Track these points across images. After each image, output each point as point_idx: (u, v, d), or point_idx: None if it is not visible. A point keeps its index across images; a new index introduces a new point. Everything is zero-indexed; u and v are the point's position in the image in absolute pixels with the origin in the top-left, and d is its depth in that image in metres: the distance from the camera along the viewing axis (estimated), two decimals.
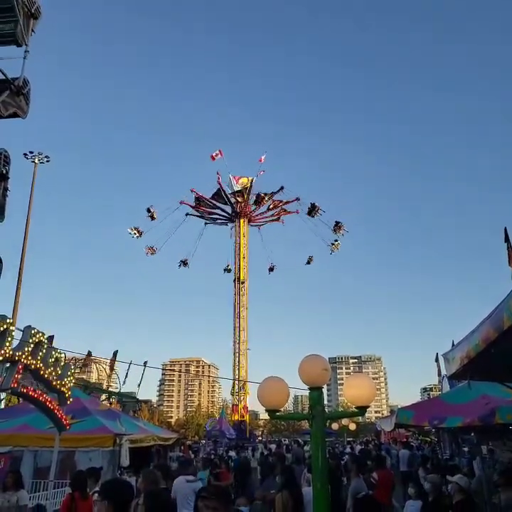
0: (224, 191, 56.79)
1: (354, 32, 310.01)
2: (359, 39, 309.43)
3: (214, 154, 56.86)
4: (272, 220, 60.49)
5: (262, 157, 58.09)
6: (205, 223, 59.47)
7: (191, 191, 56.72)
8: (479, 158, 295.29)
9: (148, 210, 54.35)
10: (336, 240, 55.81)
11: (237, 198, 56.78)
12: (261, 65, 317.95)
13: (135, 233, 54.62)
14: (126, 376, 29.59)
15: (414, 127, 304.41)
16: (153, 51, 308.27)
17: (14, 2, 11.07)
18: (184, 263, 58.65)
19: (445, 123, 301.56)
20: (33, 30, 12.37)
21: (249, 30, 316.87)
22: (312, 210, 54.92)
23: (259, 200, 56.85)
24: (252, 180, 57.05)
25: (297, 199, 57.08)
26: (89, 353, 30.53)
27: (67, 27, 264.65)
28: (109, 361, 31.48)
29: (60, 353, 9.39)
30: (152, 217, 54.55)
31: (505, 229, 12.96)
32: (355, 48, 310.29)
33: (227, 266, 58.35)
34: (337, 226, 55.18)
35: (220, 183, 56.58)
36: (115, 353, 30.79)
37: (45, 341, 8.76)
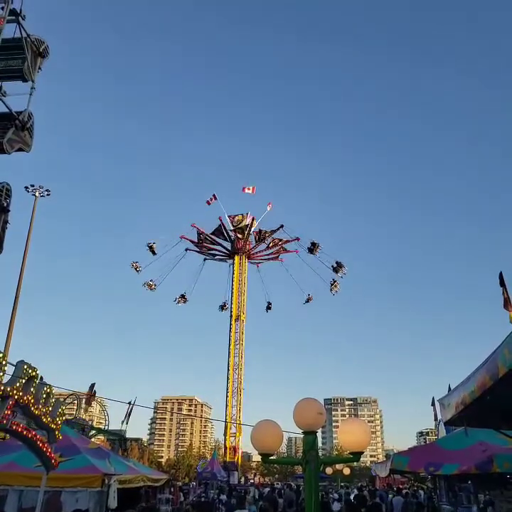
0: (225, 227, 57.42)
1: (351, 59, 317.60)
2: (356, 66, 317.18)
3: (209, 199, 58.18)
4: (270, 258, 60.80)
5: (251, 188, 58.78)
6: (205, 259, 59.79)
7: (192, 226, 57.26)
8: (478, 196, 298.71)
9: (149, 246, 54.88)
10: (335, 280, 55.92)
11: (238, 235, 57.21)
12: (257, 91, 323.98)
13: (136, 268, 55.02)
14: (129, 415, 29.00)
15: (414, 160, 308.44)
16: (152, 84, 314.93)
17: (24, 41, 11.50)
18: (182, 297, 58.42)
19: (447, 155, 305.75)
20: (40, 68, 12.78)
21: (248, 59, 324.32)
22: (313, 249, 55.47)
23: (261, 238, 57.47)
24: (253, 219, 57.74)
25: (297, 239, 57.43)
26: (92, 388, 29.84)
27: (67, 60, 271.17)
28: (85, 393, 30.63)
29: (52, 389, 9.24)
30: (153, 253, 54.98)
31: (501, 273, 13.03)
32: (355, 76, 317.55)
33: (224, 304, 58.36)
34: (338, 266, 55.25)
35: (221, 220, 57.32)
36: (92, 386, 30.00)
37: (37, 376, 8.64)
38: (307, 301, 57.78)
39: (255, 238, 58.01)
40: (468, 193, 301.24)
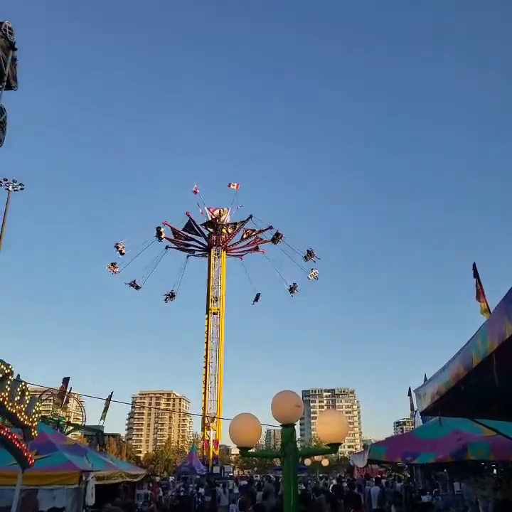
0: (194, 223, 57.25)
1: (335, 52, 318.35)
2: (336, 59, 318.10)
3: (194, 189, 57.91)
4: (250, 250, 60.70)
5: (236, 184, 58.69)
6: (188, 256, 59.45)
7: (164, 224, 56.75)
8: (456, 186, 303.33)
9: (116, 246, 54.47)
10: (313, 269, 56.86)
11: (209, 229, 57.14)
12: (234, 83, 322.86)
13: (112, 270, 54.65)
14: (105, 410, 28.91)
15: (397, 149, 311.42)
16: (131, 77, 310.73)
17: None
18: (171, 296, 57.97)
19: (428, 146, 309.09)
20: (15, 59, 12.30)
21: (230, 46, 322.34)
22: (276, 239, 56.40)
23: (228, 230, 57.42)
24: (221, 211, 57.70)
25: (270, 228, 57.48)
26: (66, 382, 29.59)
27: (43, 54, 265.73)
28: (59, 389, 30.24)
29: (27, 386, 9.09)
30: (121, 253, 54.54)
31: (474, 265, 13.20)
32: (336, 68, 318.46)
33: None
34: (309, 254, 56.38)
35: (189, 215, 57.10)
36: (66, 380, 29.78)
37: (12, 373, 8.48)
38: (291, 290, 58.05)
39: (226, 231, 57.80)
40: (446, 182, 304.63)
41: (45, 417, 25.03)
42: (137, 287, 56.63)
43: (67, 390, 29.90)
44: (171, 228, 57.33)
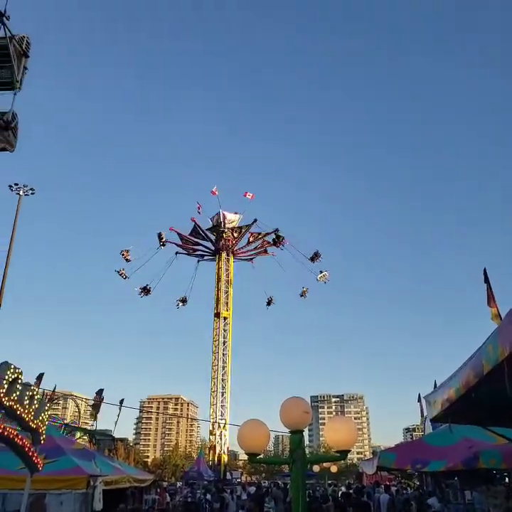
0: (200, 228, 57.46)
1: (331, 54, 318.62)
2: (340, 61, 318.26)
3: (213, 190, 58.06)
4: (258, 253, 60.50)
5: (250, 194, 58.80)
6: (198, 260, 59.47)
7: (171, 230, 57.06)
8: (462, 190, 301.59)
9: (122, 254, 54.91)
10: (322, 271, 56.06)
11: (214, 234, 57.23)
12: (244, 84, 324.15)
13: (125, 257, 54.86)
14: (118, 417, 29.14)
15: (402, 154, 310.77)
16: (142, 77, 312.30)
17: (8, 42, 11.25)
18: (146, 290, 57.17)
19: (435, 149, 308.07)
20: (25, 68, 12.53)
21: (236, 50, 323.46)
22: (276, 240, 56.21)
23: (233, 234, 57.28)
24: (237, 215, 57.80)
25: (276, 230, 57.15)
26: (100, 393, 30.04)
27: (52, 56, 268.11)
28: (93, 399, 30.62)
29: (36, 391, 9.12)
30: (126, 260, 54.79)
31: (485, 270, 13.09)
32: (339, 69, 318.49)
33: (183, 297, 57.79)
34: (315, 256, 55.92)
35: (194, 221, 57.27)
36: (100, 391, 30.12)
37: (21, 378, 8.52)
38: (268, 303, 57.47)
39: (232, 234, 57.61)
40: (446, 182, 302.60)
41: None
42: (126, 277, 55.71)
43: (101, 400, 30.26)
44: (178, 234, 57.51)
